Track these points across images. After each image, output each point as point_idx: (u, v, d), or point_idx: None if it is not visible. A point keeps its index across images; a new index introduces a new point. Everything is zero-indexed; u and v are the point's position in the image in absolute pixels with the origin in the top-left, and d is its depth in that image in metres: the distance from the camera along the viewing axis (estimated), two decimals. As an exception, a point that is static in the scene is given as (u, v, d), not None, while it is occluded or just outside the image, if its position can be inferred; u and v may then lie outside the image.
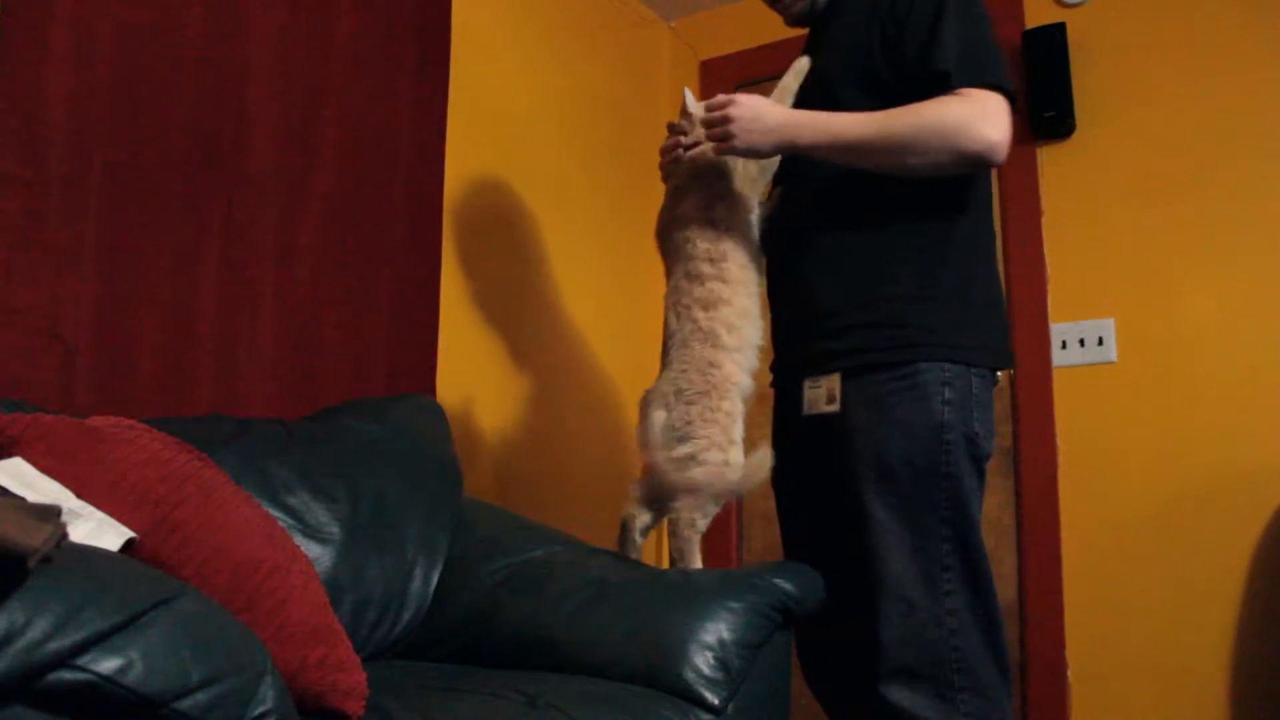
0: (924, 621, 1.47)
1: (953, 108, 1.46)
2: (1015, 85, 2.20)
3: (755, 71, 3.09)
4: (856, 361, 1.54)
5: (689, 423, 1.59)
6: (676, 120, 1.75)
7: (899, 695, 1.46)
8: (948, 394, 1.50)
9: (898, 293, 1.53)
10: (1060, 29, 2.54)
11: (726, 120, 1.56)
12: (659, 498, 1.65)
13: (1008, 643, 1.52)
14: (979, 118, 1.45)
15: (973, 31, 1.50)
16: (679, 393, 1.61)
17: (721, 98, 1.60)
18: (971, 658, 1.47)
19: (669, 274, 1.72)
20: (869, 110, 1.53)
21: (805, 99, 1.68)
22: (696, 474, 1.57)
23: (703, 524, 1.59)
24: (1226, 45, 2.41)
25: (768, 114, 1.56)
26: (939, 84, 1.47)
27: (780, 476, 1.75)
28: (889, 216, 1.55)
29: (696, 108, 1.70)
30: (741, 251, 1.65)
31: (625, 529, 1.70)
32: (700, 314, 1.62)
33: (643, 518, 1.69)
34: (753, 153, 1.60)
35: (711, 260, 1.63)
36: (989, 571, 1.51)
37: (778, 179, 1.75)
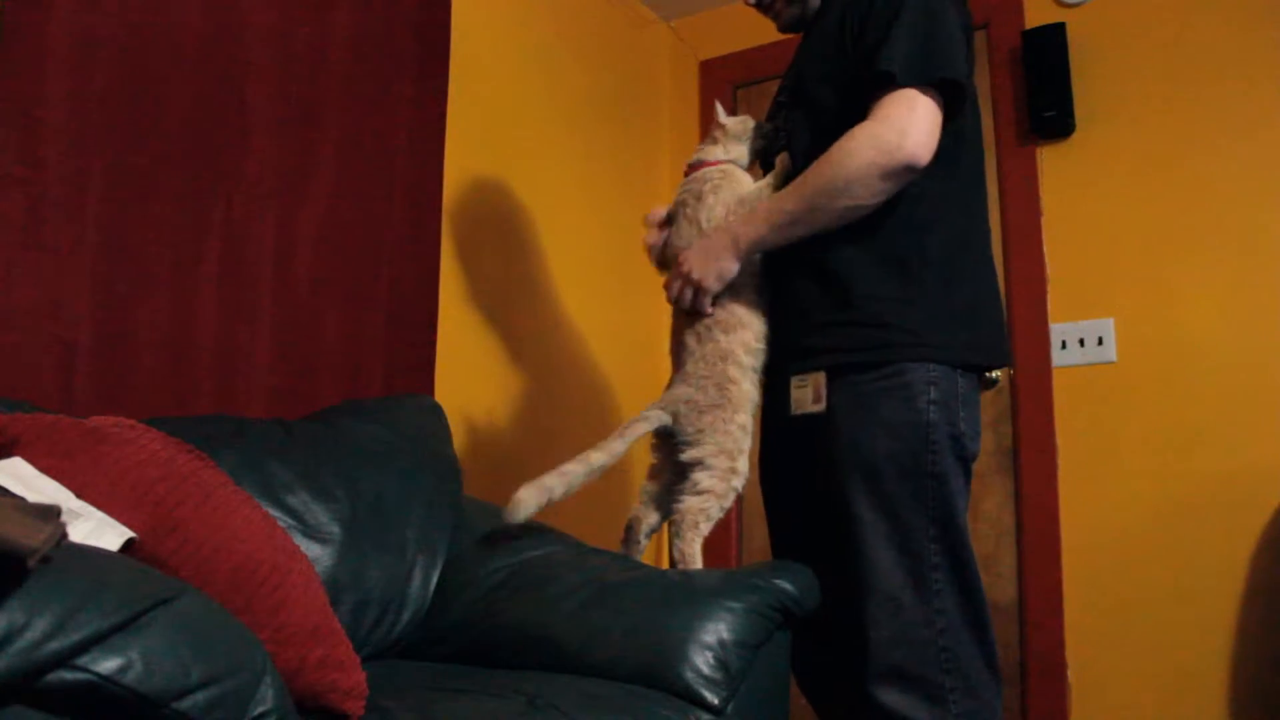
0: (912, 622, 1.47)
1: (860, 133, 1.47)
2: (1014, 84, 2.16)
3: (755, 72, 3.09)
4: (839, 360, 1.54)
5: (700, 430, 1.61)
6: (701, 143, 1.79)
7: (889, 696, 1.46)
8: (933, 393, 1.50)
9: (878, 294, 1.53)
10: (1060, 29, 2.54)
11: (686, 282, 1.63)
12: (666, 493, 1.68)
13: (996, 641, 1.52)
14: (888, 131, 1.45)
15: (927, 25, 1.49)
16: (690, 402, 1.63)
17: (670, 278, 1.67)
18: (961, 657, 1.47)
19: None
20: (839, 108, 1.56)
21: (787, 100, 1.72)
22: (702, 476, 1.59)
23: (705, 527, 1.60)
24: (1226, 45, 2.41)
25: (710, 245, 1.62)
26: (884, 84, 1.48)
27: (768, 476, 1.75)
28: (870, 217, 1.54)
29: (728, 120, 1.75)
30: (751, 289, 1.66)
31: (630, 530, 1.72)
32: (721, 336, 1.64)
33: (650, 519, 1.70)
34: (724, 276, 1.62)
35: (725, 300, 1.65)
36: (976, 571, 1.51)
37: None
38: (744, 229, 1.60)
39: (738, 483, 1.61)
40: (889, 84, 1.47)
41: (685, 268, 1.63)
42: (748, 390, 1.63)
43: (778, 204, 1.57)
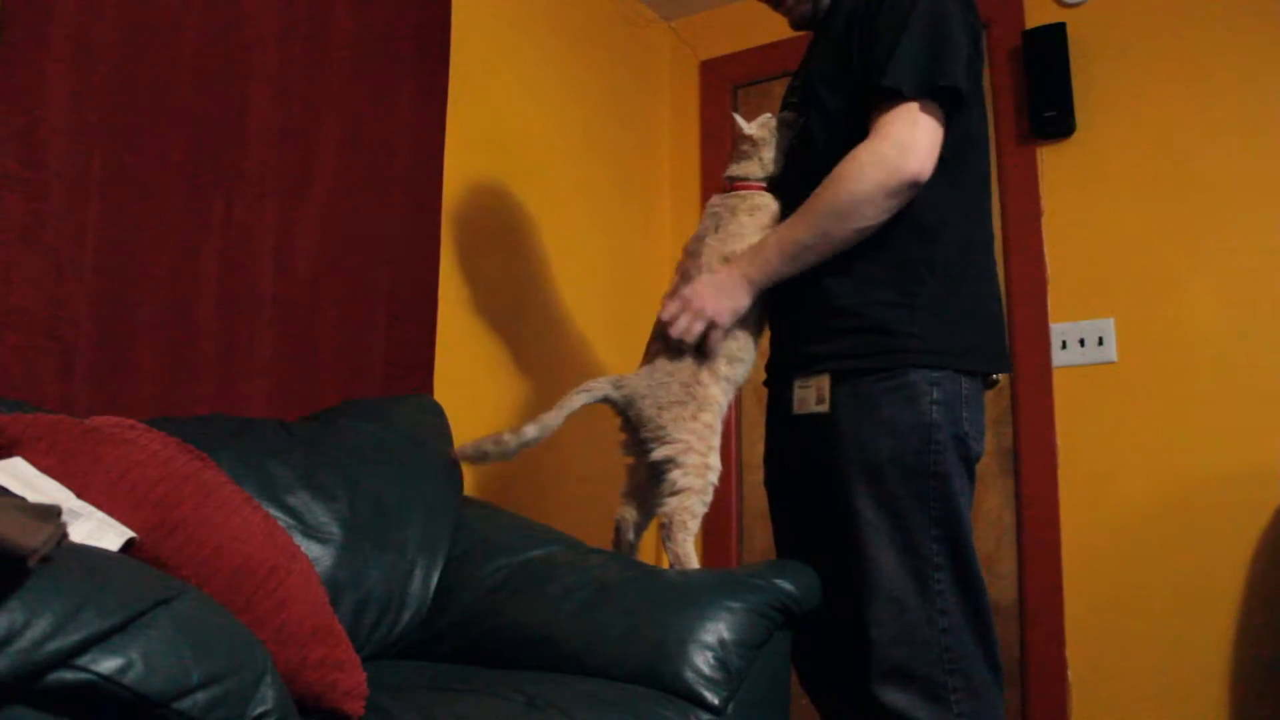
0: (915, 621, 1.47)
1: (863, 154, 1.48)
2: (1014, 84, 2.16)
3: (755, 72, 3.09)
4: (844, 365, 1.54)
5: (661, 427, 1.61)
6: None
7: (892, 696, 1.47)
8: (936, 394, 1.50)
9: (882, 299, 1.53)
10: (1060, 29, 2.54)
11: (695, 315, 1.60)
12: (641, 492, 1.69)
13: (999, 641, 1.52)
14: (889, 149, 1.47)
15: (933, 35, 1.49)
16: (652, 397, 1.62)
17: (670, 305, 1.63)
18: (964, 657, 1.47)
19: (681, 278, 1.72)
20: (845, 108, 1.57)
21: (798, 101, 1.72)
22: (677, 475, 1.60)
23: (693, 525, 1.60)
24: (1226, 45, 2.41)
25: (722, 281, 1.60)
26: (886, 97, 1.49)
27: (772, 476, 1.76)
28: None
29: (751, 127, 1.72)
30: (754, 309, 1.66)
31: (619, 530, 1.72)
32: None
33: (633, 516, 1.71)
34: (738, 311, 1.61)
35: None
36: (979, 571, 1.51)
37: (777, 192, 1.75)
38: (756, 264, 1.59)
39: (713, 477, 1.62)
40: (891, 97, 1.48)
41: (697, 303, 1.60)
42: (715, 394, 1.63)
43: (788, 234, 1.57)
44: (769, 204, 1.69)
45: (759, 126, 1.72)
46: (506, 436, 1.68)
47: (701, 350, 1.63)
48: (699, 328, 1.60)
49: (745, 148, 1.73)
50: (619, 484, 1.77)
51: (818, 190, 1.53)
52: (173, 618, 0.77)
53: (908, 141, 1.47)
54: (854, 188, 1.49)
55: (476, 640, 1.51)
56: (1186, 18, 2.46)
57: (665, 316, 1.64)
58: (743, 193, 1.71)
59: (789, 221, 1.58)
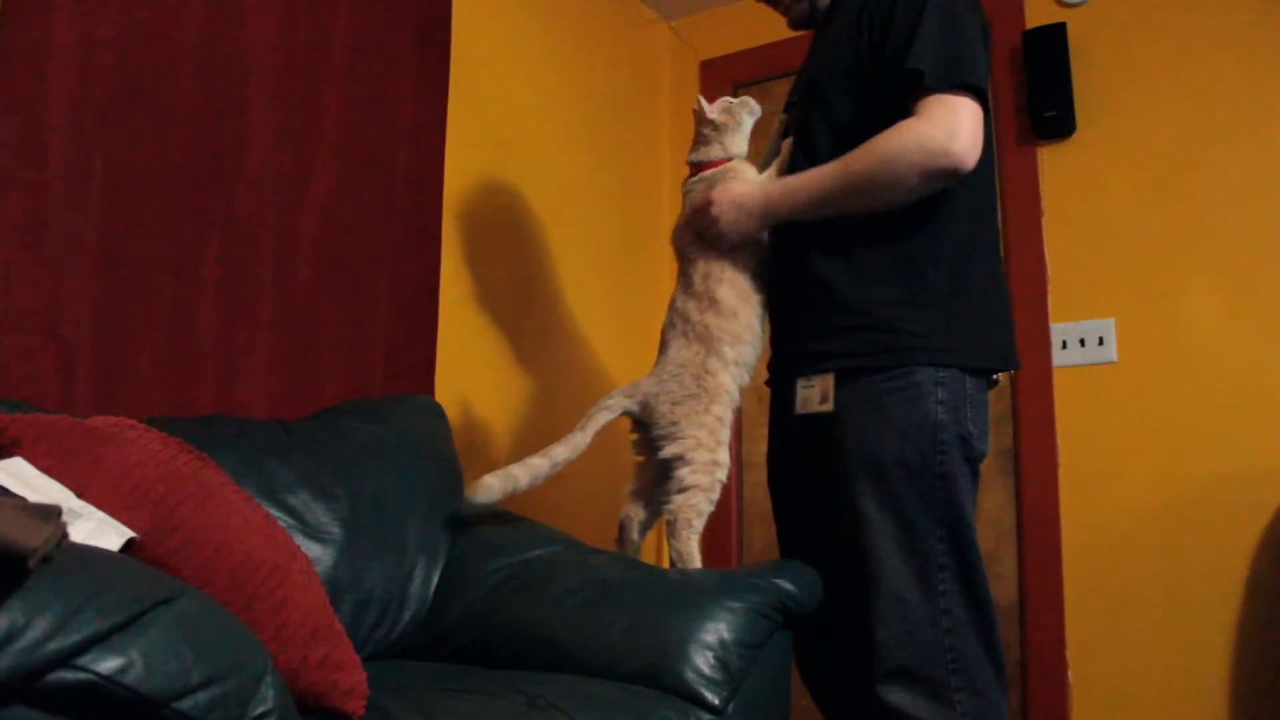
0: (920, 621, 1.47)
1: (908, 132, 1.46)
2: (1014, 84, 2.17)
3: (755, 72, 3.09)
4: (849, 364, 1.54)
5: (674, 423, 1.62)
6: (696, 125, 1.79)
7: (895, 696, 1.46)
8: (941, 394, 1.50)
9: (887, 297, 1.53)
10: (1060, 29, 2.54)
11: (714, 220, 1.65)
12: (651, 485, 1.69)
13: (1002, 642, 1.52)
14: (937, 132, 1.45)
15: (952, 30, 1.49)
16: (665, 394, 1.63)
17: (700, 198, 1.69)
18: (967, 657, 1.47)
19: (681, 275, 1.74)
20: (851, 108, 1.56)
21: (800, 101, 1.71)
22: (685, 473, 1.60)
23: (699, 524, 1.60)
24: (1227, 45, 2.41)
25: (746, 199, 1.64)
26: (913, 83, 1.47)
27: (775, 476, 1.76)
28: (879, 220, 1.54)
29: (713, 110, 1.75)
30: (750, 275, 1.68)
31: (623, 529, 1.72)
32: (712, 319, 1.64)
33: (640, 515, 1.71)
34: (747, 236, 1.67)
35: (724, 279, 1.67)
36: (984, 571, 1.51)
37: None
38: (781, 200, 1.60)
39: (721, 474, 1.62)
40: (924, 85, 1.46)
41: (715, 210, 1.65)
42: (725, 381, 1.64)
43: (820, 185, 1.55)
44: (739, 169, 1.71)
45: (720, 110, 1.74)
46: (536, 460, 1.66)
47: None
48: (712, 231, 1.66)
49: (707, 131, 1.75)
50: (620, 484, 1.77)
51: (858, 153, 1.51)
52: (173, 618, 0.77)
53: (954, 128, 1.45)
54: (893, 165, 1.47)
55: (477, 640, 1.51)
56: (1186, 18, 2.46)
57: (697, 210, 1.69)
58: (706, 172, 1.72)
59: (822, 173, 1.55)
